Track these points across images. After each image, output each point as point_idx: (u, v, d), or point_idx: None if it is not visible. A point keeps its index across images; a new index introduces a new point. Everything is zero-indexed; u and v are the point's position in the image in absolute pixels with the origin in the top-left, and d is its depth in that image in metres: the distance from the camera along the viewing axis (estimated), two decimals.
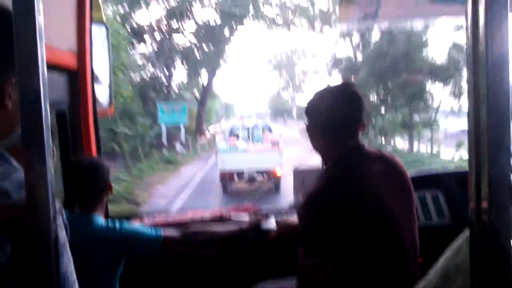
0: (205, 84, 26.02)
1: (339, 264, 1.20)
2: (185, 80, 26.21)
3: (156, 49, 23.11)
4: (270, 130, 13.71)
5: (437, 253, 0.84)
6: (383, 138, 20.90)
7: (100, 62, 2.10)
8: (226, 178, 10.56)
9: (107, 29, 2.15)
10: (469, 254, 0.63)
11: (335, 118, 1.34)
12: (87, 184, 1.69)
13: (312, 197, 1.29)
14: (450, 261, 0.76)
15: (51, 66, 1.72)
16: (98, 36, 2.06)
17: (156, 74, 23.50)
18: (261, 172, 10.41)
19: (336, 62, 22.79)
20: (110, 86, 2.24)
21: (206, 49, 24.11)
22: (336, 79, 23.18)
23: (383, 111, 20.45)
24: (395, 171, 1.37)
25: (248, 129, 13.65)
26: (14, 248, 0.79)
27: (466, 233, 0.74)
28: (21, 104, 0.65)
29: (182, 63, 24.63)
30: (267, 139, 11.72)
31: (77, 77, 1.92)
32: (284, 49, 62.58)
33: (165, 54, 23.04)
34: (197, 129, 24.15)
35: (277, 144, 10.90)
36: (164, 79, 23.59)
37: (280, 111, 57.15)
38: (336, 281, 1.20)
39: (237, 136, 12.90)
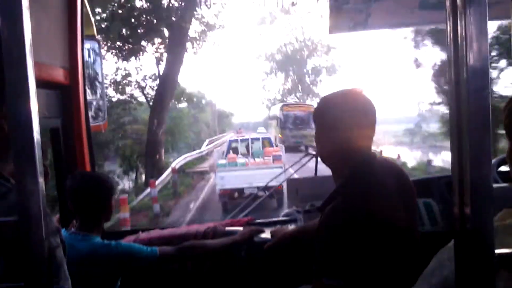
0: (161, 73, 14.55)
1: (361, 284, 1.14)
2: (125, 67, 14.51)
3: None
4: (271, 143, 12.88)
5: (427, 260, 0.85)
6: None
7: (92, 77, 2.12)
8: (226, 196, 10.02)
9: (99, 44, 2.17)
10: (455, 263, 0.63)
11: (347, 124, 1.26)
12: (86, 201, 1.62)
13: (334, 216, 1.20)
14: (437, 270, 0.76)
15: (43, 83, 1.73)
16: (90, 52, 2.08)
17: None
18: (262, 189, 9.45)
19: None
20: (103, 101, 2.26)
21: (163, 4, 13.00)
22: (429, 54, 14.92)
23: None
24: (403, 180, 1.32)
25: (247, 142, 12.93)
26: (6, 268, 0.79)
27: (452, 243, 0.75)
28: (11, 124, 0.66)
29: (120, 33, 12.93)
30: (269, 153, 10.94)
31: (69, 93, 1.93)
32: (289, 41, 50.31)
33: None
34: (148, 164, 13.71)
35: (279, 159, 10.30)
36: None
37: None
38: None
39: (237, 151, 12.17)
